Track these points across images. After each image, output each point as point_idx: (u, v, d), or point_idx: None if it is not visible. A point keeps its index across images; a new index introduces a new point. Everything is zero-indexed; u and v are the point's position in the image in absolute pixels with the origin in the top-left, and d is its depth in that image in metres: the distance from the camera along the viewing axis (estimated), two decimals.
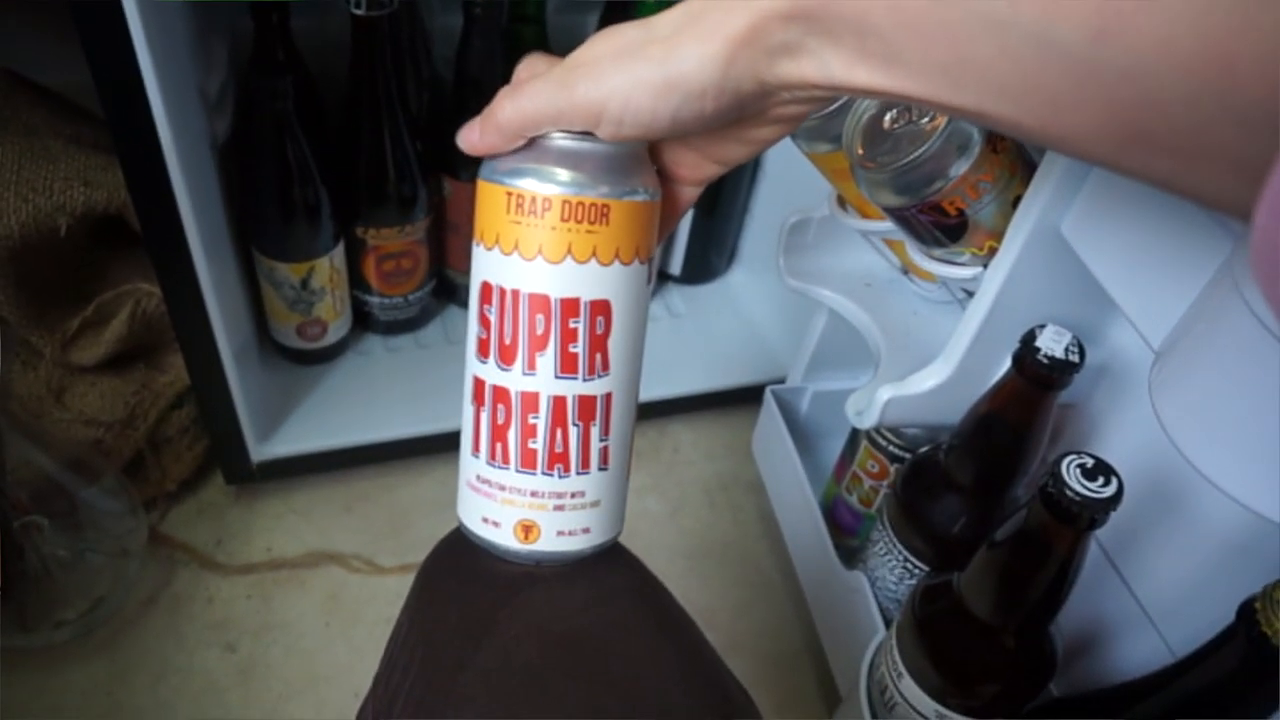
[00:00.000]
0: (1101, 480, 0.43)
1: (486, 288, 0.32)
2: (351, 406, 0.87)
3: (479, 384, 0.33)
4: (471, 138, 0.31)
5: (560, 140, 0.31)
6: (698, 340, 1.01)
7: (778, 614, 0.83)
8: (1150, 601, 0.53)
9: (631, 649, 0.33)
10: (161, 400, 0.80)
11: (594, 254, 0.31)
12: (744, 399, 0.96)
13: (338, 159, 0.79)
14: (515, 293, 0.31)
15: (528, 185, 0.30)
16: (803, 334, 0.83)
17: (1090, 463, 0.43)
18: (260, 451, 0.81)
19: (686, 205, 0.35)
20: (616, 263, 0.31)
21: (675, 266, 1.04)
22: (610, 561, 0.36)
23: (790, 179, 0.91)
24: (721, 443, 0.98)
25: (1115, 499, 0.42)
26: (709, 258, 1.05)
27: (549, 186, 0.30)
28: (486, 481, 0.33)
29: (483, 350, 0.32)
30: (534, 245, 0.30)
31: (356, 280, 0.87)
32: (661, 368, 0.95)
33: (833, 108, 0.53)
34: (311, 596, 0.80)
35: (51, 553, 0.72)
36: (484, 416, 0.33)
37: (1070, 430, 0.59)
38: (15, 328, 0.75)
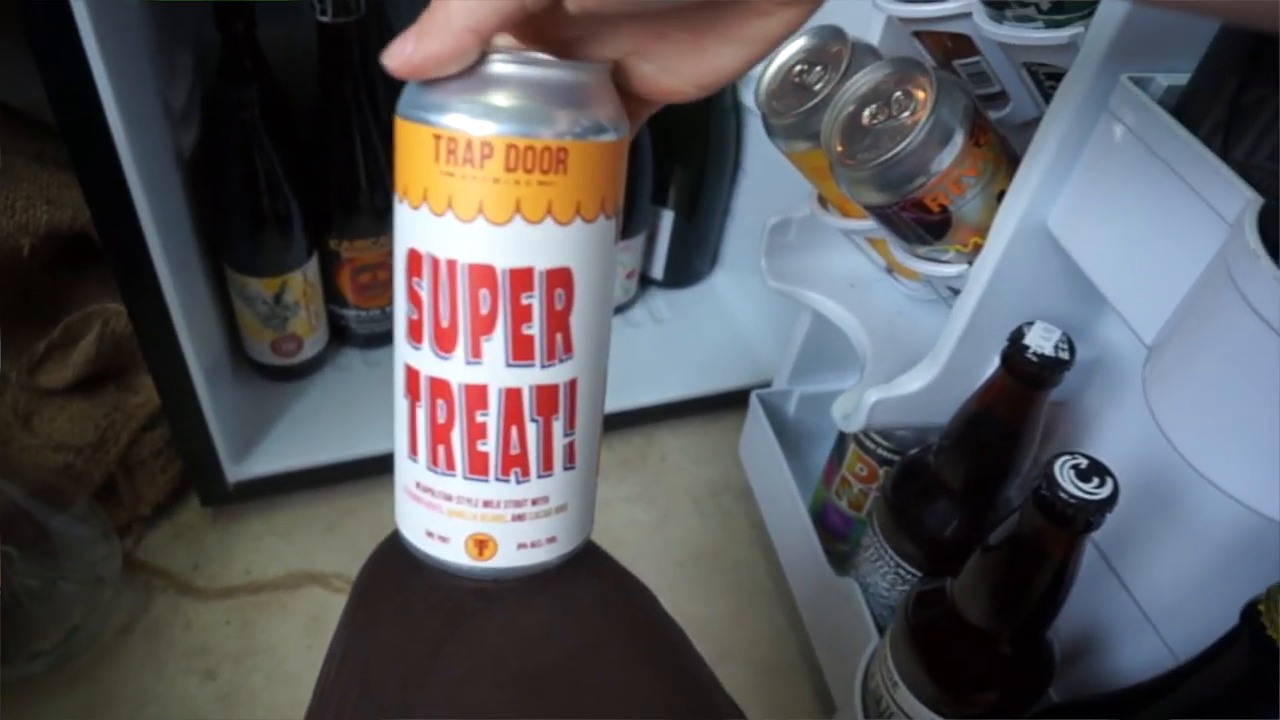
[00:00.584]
0: (1096, 481, 0.41)
1: (414, 257, 0.26)
2: (331, 422, 0.85)
3: (412, 375, 0.27)
4: (404, 50, 0.24)
5: (501, 63, 0.24)
6: (682, 345, 0.99)
7: (770, 622, 0.82)
8: (1149, 603, 0.52)
9: (604, 680, 0.29)
10: (133, 422, 0.78)
11: (549, 211, 0.25)
12: (731, 404, 0.94)
13: (308, 170, 0.77)
14: (451, 263, 0.25)
15: (460, 124, 0.24)
16: (788, 336, 0.81)
17: (1084, 463, 0.42)
18: (237, 472, 0.79)
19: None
20: (578, 220, 0.25)
21: (657, 270, 1.03)
22: (575, 568, 0.31)
23: (772, 180, 0.90)
24: (709, 449, 0.96)
25: (1111, 500, 0.41)
26: (691, 261, 1.04)
27: (487, 125, 0.24)
28: (429, 490, 0.28)
29: (414, 334, 0.27)
30: (472, 203, 0.24)
31: (331, 294, 0.86)
32: (646, 374, 0.93)
33: (810, 104, 0.52)
34: (293, 619, 0.78)
35: (22, 583, 0.70)
36: (420, 414, 0.27)
37: (1063, 429, 0.58)
38: None
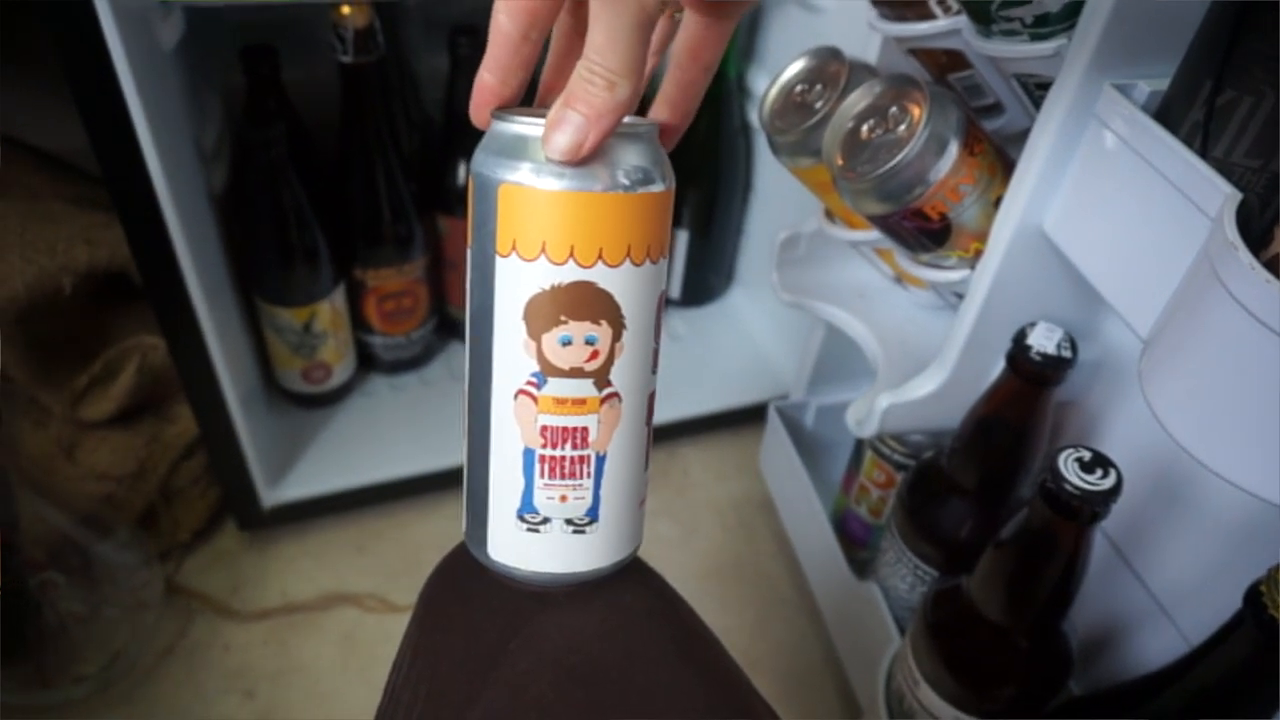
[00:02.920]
0: (1100, 472, 0.43)
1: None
2: (359, 447, 0.87)
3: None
4: (583, 140, 0.26)
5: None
6: (701, 362, 1.01)
7: (795, 630, 0.83)
8: (1163, 593, 0.53)
9: (651, 678, 0.31)
10: (171, 452, 0.81)
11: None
12: (750, 418, 0.96)
13: (333, 203, 0.80)
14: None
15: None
16: (803, 349, 0.83)
17: (1088, 456, 0.43)
18: (271, 497, 0.82)
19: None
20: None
21: (674, 289, 1.05)
22: (626, 580, 0.34)
23: (782, 197, 0.93)
24: (731, 463, 0.98)
25: (1115, 490, 0.42)
26: (707, 279, 1.06)
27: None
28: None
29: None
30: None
31: (358, 321, 0.88)
32: (667, 391, 0.94)
33: (812, 122, 0.54)
34: (328, 638, 0.80)
35: (68, 609, 0.73)
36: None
37: (1071, 427, 0.59)
38: (24, 387, 0.76)
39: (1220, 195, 0.36)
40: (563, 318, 0.27)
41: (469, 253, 0.28)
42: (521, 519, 0.30)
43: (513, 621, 0.32)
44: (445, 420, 0.89)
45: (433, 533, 0.87)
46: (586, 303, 0.27)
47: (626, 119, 0.27)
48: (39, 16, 0.51)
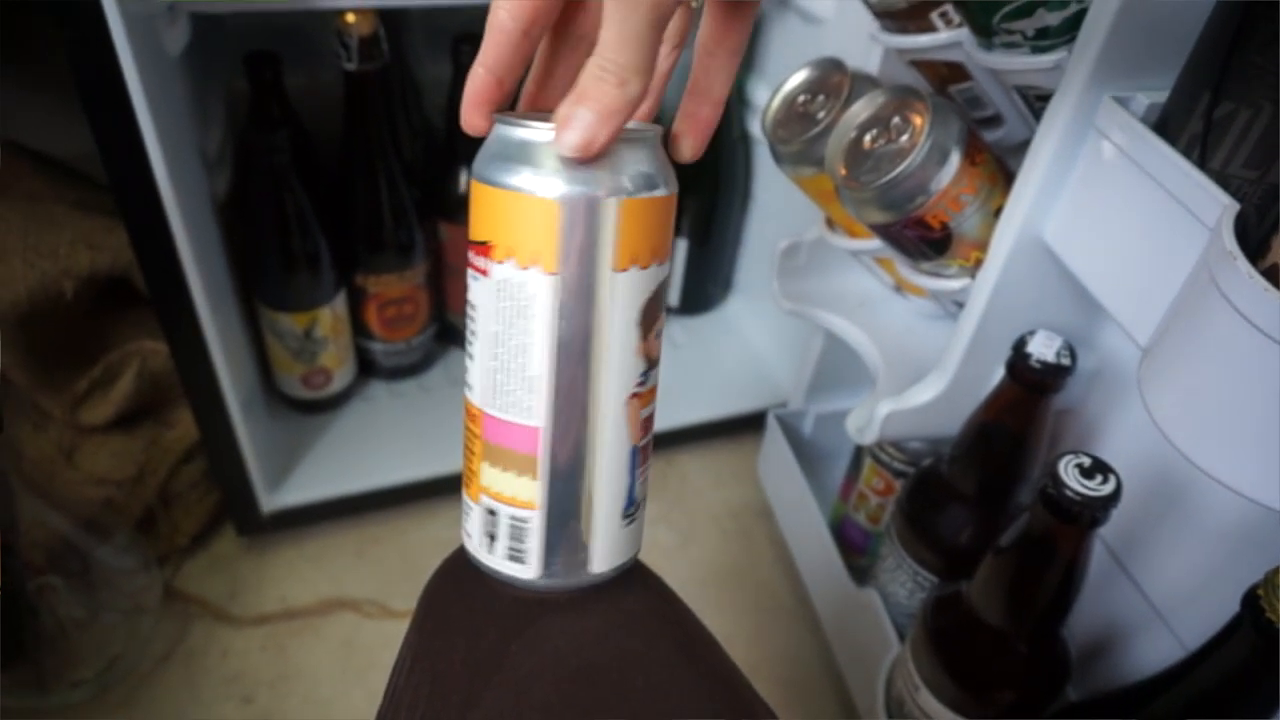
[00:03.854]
0: (1100, 478, 0.43)
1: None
2: (359, 452, 0.87)
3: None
4: (596, 137, 0.26)
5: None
6: (700, 370, 1.02)
7: (794, 638, 0.83)
8: (1161, 599, 0.53)
9: (653, 680, 0.31)
10: (171, 456, 0.81)
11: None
12: (749, 426, 0.96)
13: (335, 209, 0.81)
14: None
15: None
16: (802, 357, 0.84)
17: (1087, 462, 0.44)
18: (270, 502, 0.82)
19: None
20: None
21: (673, 298, 1.05)
22: (626, 583, 0.34)
23: (781, 206, 0.93)
24: (729, 470, 0.98)
25: (1115, 496, 0.43)
26: (706, 288, 1.07)
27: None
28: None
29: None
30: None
31: (359, 327, 0.89)
32: (665, 398, 0.95)
33: (815, 132, 0.55)
34: (326, 644, 0.80)
35: (67, 613, 0.73)
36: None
37: (1070, 435, 0.60)
38: (25, 391, 0.76)
39: (1219, 206, 0.37)
40: (661, 313, 0.29)
41: (555, 279, 0.27)
42: (626, 515, 0.31)
43: (514, 623, 0.32)
44: (445, 426, 0.90)
45: (432, 538, 0.87)
46: (664, 296, 0.29)
47: (633, 124, 0.28)
48: (48, 20, 0.51)
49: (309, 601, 0.82)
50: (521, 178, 0.26)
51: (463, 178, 0.85)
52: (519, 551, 0.31)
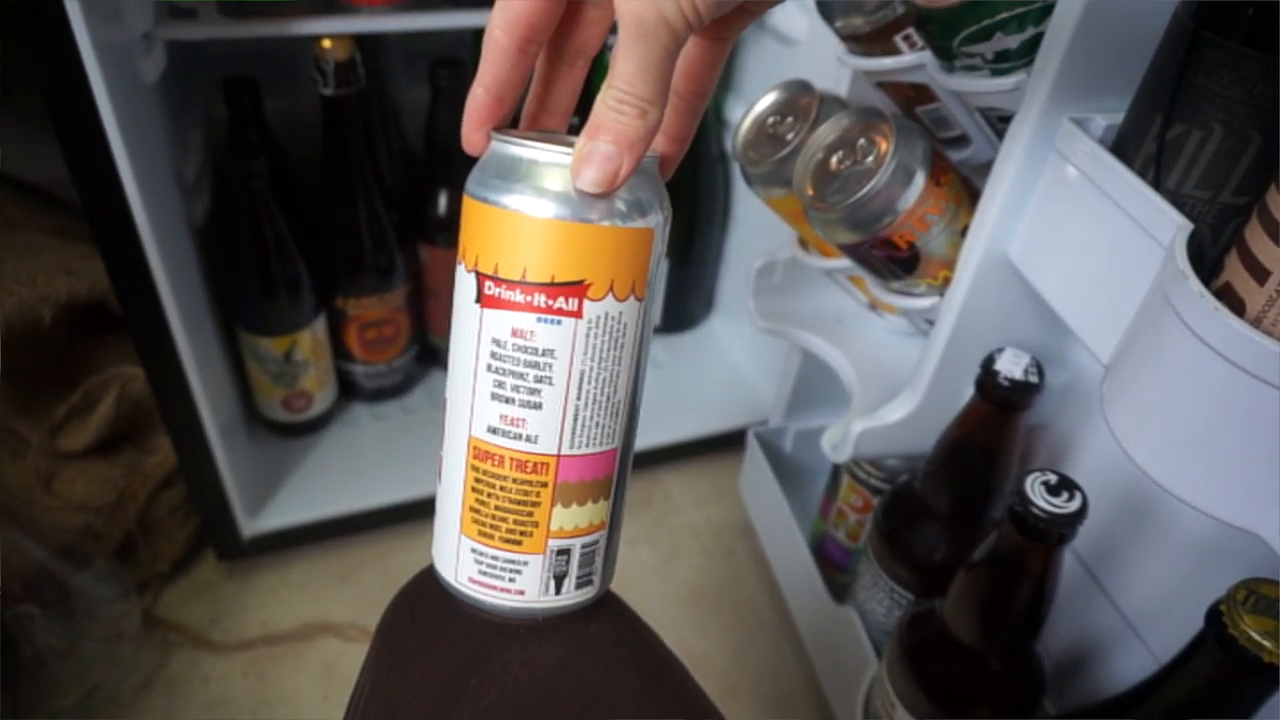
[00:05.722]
0: (1066, 495, 0.44)
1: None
2: (341, 476, 0.87)
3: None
4: (619, 171, 0.25)
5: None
6: (681, 388, 1.02)
7: (776, 655, 0.83)
8: (1133, 612, 0.53)
9: (616, 710, 0.30)
10: (150, 482, 0.81)
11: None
12: (731, 443, 0.97)
13: (315, 233, 0.81)
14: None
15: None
16: (782, 376, 0.84)
17: (1054, 479, 0.44)
18: (251, 526, 0.82)
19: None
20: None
21: (656, 316, 1.06)
22: (592, 611, 0.33)
23: (761, 225, 0.94)
24: (710, 488, 0.98)
25: (1081, 513, 0.43)
26: (687, 306, 1.07)
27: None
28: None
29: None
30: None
31: (339, 350, 0.89)
32: (647, 417, 0.95)
33: (783, 153, 0.55)
34: (308, 669, 0.79)
35: (45, 642, 0.72)
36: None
37: (1042, 451, 0.60)
38: (3, 418, 0.76)
39: (1173, 226, 0.37)
40: None
41: (644, 304, 0.28)
42: None
43: (473, 656, 0.31)
44: (427, 448, 0.89)
45: (415, 561, 0.86)
46: None
47: None
48: (19, 49, 0.51)
49: (291, 626, 0.82)
50: (617, 208, 0.26)
51: (442, 200, 0.85)
52: (588, 574, 0.31)
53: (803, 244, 0.66)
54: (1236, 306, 0.34)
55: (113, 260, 0.61)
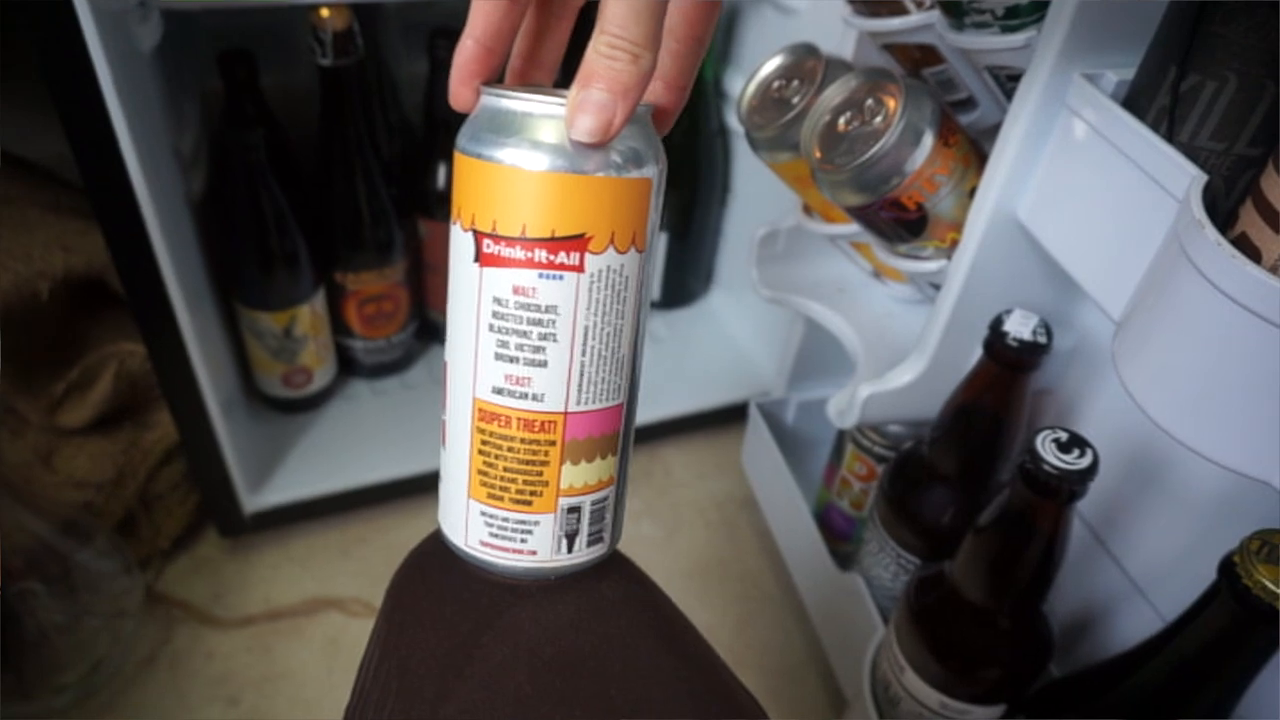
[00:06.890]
0: (1077, 452, 0.44)
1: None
2: (342, 451, 0.87)
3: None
4: (614, 119, 0.25)
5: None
6: (682, 363, 1.02)
7: (780, 627, 0.84)
8: (1140, 573, 0.54)
9: (631, 667, 0.30)
10: (150, 458, 0.80)
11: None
12: (732, 417, 0.97)
13: (313, 207, 0.80)
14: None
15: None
16: (784, 347, 0.84)
17: (1064, 436, 0.44)
18: (253, 502, 0.81)
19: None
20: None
21: (655, 291, 1.05)
22: (601, 570, 0.33)
23: (761, 199, 0.93)
24: (713, 462, 0.98)
25: (1092, 469, 0.43)
26: (686, 281, 1.07)
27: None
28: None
29: None
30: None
31: (339, 325, 0.88)
32: (648, 392, 0.95)
33: (789, 116, 0.55)
34: (312, 644, 0.79)
35: (48, 618, 0.72)
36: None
37: (1049, 414, 0.61)
38: (1, 395, 0.76)
39: (1187, 177, 0.37)
40: None
41: (645, 255, 0.27)
42: None
43: (485, 615, 0.31)
44: (427, 423, 0.89)
45: (417, 535, 0.85)
46: None
47: None
48: (17, 17, 0.50)
49: (294, 601, 0.82)
50: (613, 159, 0.25)
51: (441, 174, 0.85)
52: (599, 531, 0.31)
53: (807, 210, 0.66)
54: (1253, 255, 0.34)
55: (113, 234, 0.60)
